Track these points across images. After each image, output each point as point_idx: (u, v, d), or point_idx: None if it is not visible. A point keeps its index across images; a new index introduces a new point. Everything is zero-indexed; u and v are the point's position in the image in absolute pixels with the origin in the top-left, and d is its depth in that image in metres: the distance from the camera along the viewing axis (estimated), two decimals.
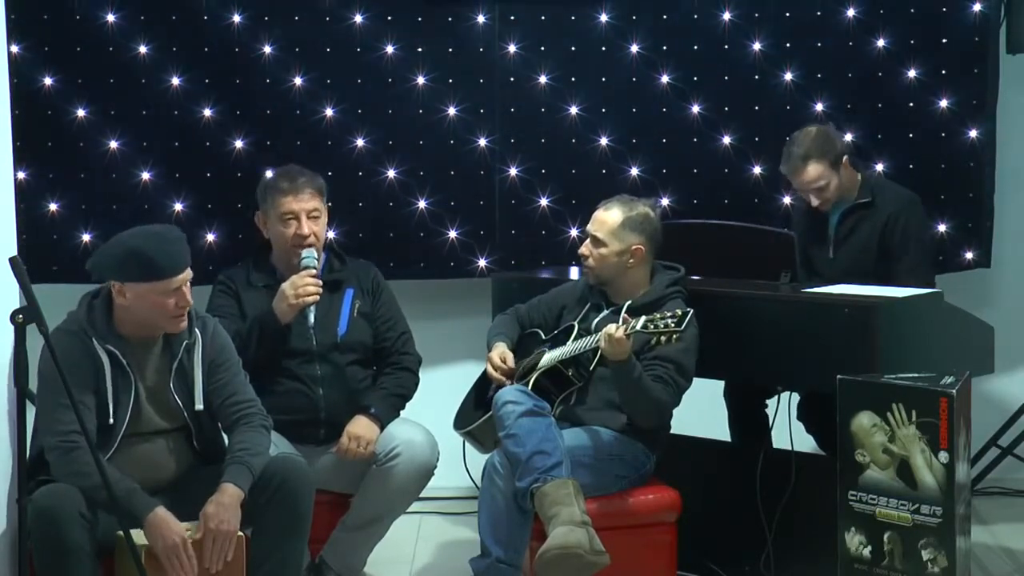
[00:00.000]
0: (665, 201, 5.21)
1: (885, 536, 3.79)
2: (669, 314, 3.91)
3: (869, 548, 3.82)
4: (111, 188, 5.04)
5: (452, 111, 5.15)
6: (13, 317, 3.46)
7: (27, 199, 4.89)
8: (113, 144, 5.02)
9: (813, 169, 4.72)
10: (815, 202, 4.77)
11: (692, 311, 3.97)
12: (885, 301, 4.09)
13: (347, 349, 4.43)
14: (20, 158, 4.73)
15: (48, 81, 4.96)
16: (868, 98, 5.21)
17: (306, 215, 4.40)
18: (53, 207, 5.01)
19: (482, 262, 5.21)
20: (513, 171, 5.20)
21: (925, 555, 3.73)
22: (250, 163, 5.06)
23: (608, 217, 4.27)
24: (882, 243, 4.75)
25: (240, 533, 3.64)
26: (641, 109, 5.20)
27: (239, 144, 5.07)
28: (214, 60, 5.04)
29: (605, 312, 4.32)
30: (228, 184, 5.08)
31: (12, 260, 3.46)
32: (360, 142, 5.13)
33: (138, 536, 3.56)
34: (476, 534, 4.16)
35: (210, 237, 5.09)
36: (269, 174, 4.60)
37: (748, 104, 5.20)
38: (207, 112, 5.04)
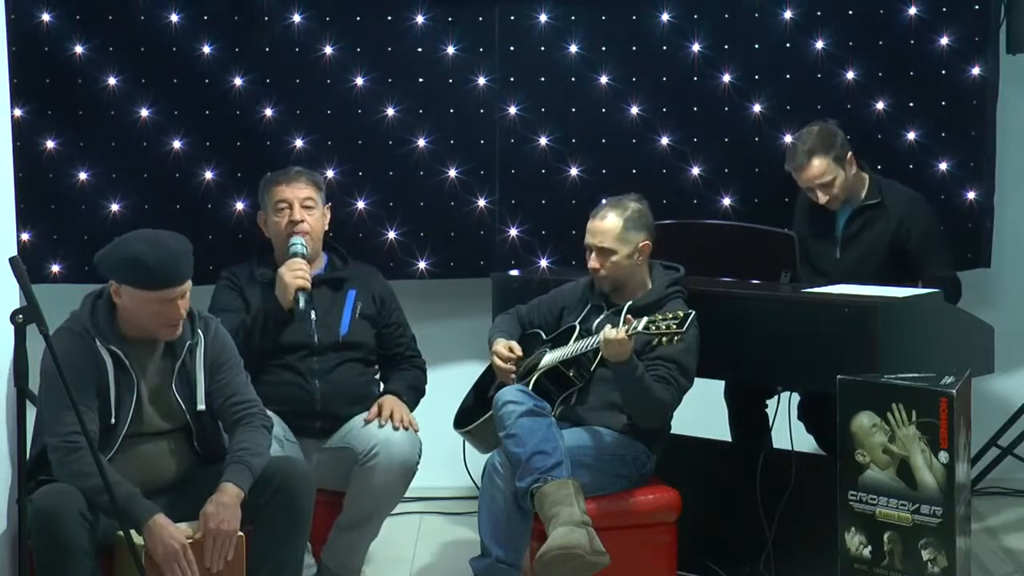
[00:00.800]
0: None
1: (885, 536, 3.79)
2: (671, 315, 3.92)
3: (869, 548, 3.82)
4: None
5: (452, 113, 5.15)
6: (13, 317, 3.47)
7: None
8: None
9: (818, 164, 4.73)
10: (823, 199, 4.77)
11: (694, 312, 3.97)
12: (885, 301, 4.09)
13: (347, 347, 4.45)
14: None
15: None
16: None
17: (299, 203, 4.45)
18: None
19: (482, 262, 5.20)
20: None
21: (925, 555, 3.73)
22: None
23: (608, 225, 4.26)
24: (894, 246, 4.76)
25: (240, 533, 3.64)
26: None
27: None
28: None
29: (606, 313, 4.32)
30: (228, 184, 5.08)
31: (12, 260, 3.46)
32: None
33: (138, 536, 3.56)
34: (476, 534, 4.17)
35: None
36: (270, 174, 4.62)
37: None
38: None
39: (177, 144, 5.07)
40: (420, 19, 5.12)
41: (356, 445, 4.29)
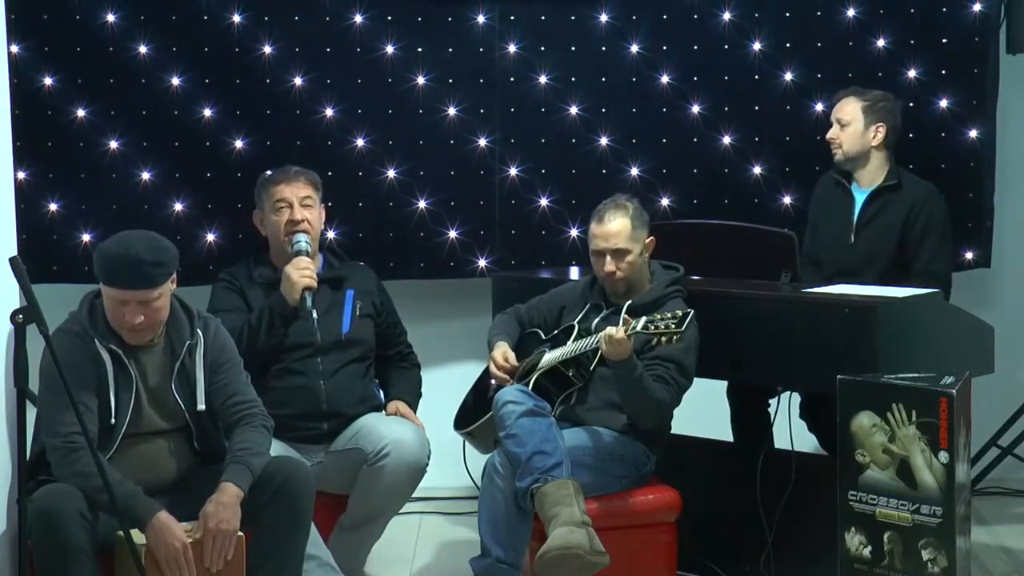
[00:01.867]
0: (665, 201, 5.21)
1: (885, 536, 3.79)
2: (669, 315, 3.91)
3: (869, 548, 3.82)
4: (111, 188, 5.03)
5: (452, 111, 5.14)
6: (13, 317, 3.46)
7: (27, 199, 4.89)
8: (113, 144, 5.01)
9: (850, 105, 4.82)
10: (829, 133, 4.83)
11: (692, 311, 3.97)
12: (885, 301, 4.09)
13: (349, 346, 4.46)
14: (20, 158, 4.72)
15: (48, 81, 4.95)
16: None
17: (298, 201, 4.44)
18: (53, 207, 5.00)
19: (482, 262, 5.20)
20: (513, 171, 5.19)
21: (925, 555, 3.73)
22: (250, 163, 5.04)
23: (618, 226, 4.25)
24: (904, 231, 4.77)
25: (240, 533, 3.64)
26: (641, 109, 5.20)
27: (239, 144, 5.06)
28: (214, 60, 5.03)
29: (605, 312, 4.32)
30: (228, 184, 5.07)
31: (12, 260, 3.46)
32: (360, 142, 5.12)
33: (138, 536, 3.56)
34: (476, 534, 4.16)
35: (210, 237, 5.08)
36: (268, 173, 4.61)
37: (748, 104, 5.18)
38: (207, 112, 5.04)
39: (177, 144, 5.07)
40: (420, 20, 5.12)
41: (366, 445, 4.28)
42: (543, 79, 5.16)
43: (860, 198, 4.86)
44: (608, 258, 4.26)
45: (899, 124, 4.87)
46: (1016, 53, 5.18)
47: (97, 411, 3.68)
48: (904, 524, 3.76)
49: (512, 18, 5.14)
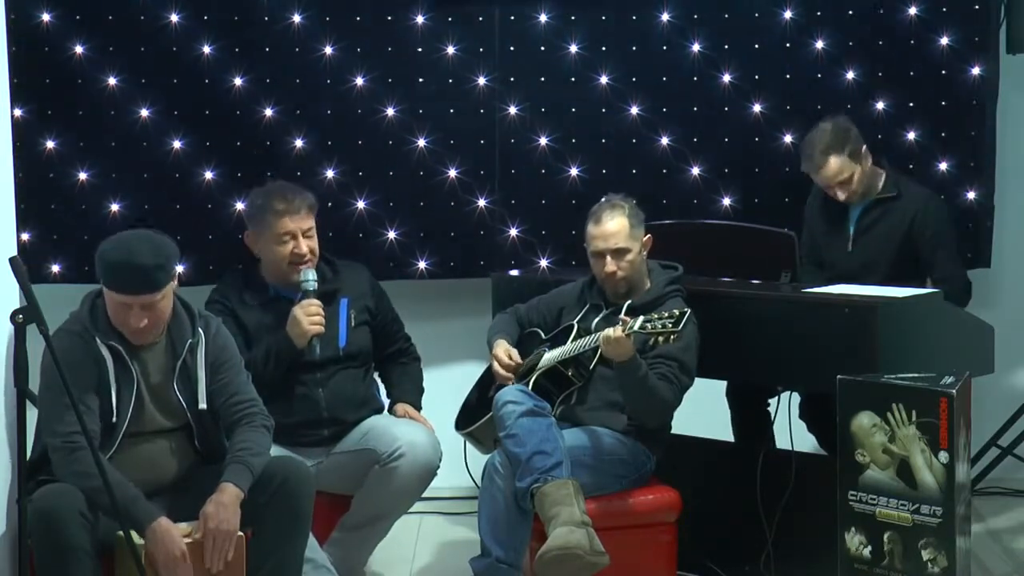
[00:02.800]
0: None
1: (885, 536, 3.79)
2: (667, 314, 3.91)
3: (869, 548, 3.82)
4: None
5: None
6: (13, 317, 3.46)
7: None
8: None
9: (835, 163, 4.73)
10: (842, 196, 4.78)
11: (689, 311, 3.97)
12: (885, 301, 4.09)
13: (348, 359, 4.45)
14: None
15: (79, 49, 4.98)
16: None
17: (303, 234, 4.39)
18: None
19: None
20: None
21: (925, 555, 3.73)
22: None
23: (616, 226, 4.25)
24: (906, 241, 4.76)
25: (240, 533, 3.64)
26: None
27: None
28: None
29: (605, 312, 4.32)
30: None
31: (12, 260, 3.46)
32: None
33: (138, 536, 3.56)
34: (476, 534, 4.16)
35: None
36: (258, 195, 4.50)
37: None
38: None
39: (177, 144, 5.07)
40: (420, 19, 5.12)
41: (379, 446, 4.28)
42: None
43: (857, 206, 4.85)
44: (608, 258, 4.26)
45: (859, 132, 4.82)
46: (1016, 53, 5.18)
47: (98, 410, 3.68)
48: (904, 524, 3.76)
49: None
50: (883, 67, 5.19)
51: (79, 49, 4.98)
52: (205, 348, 3.83)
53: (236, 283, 4.48)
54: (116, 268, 3.64)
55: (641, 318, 3.94)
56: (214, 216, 5.10)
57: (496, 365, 4.37)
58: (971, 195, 5.18)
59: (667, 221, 5.03)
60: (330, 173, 5.11)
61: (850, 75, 5.17)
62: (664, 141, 5.19)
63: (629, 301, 4.27)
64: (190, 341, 3.81)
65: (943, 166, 5.18)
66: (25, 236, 4.91)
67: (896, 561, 3.78)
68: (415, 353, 4.68)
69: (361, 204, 5.15)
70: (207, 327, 3.86)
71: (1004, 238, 5.34)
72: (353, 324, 4.47)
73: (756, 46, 5.19)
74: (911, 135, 5.18)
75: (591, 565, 3.86)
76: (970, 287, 4.81)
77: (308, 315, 4.30)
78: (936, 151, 5.18)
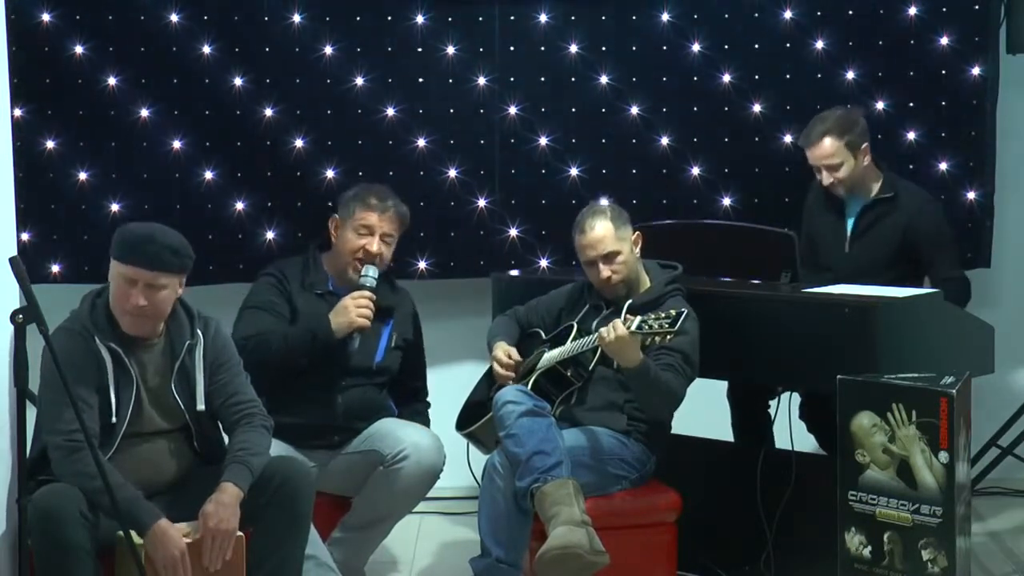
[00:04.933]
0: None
1: (885, 536, 3.79)
2: (663, 315, 3.91)
3: (869, 548, 3.82)
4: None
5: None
6: (13, 317, 3.46)
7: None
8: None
9: (828, 144, 4.74)
10: (826, 180, 4.78)
11: (687, 310, 3.97)
12: (885, 301, 4.09)
13: (377, 374, 4.44)
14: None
15: (79, 50, 4.98)
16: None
17: (381, 235, 4.38)
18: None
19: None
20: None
21: (925, 555, 3.73)
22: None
23: (602, 231, 4.24)
24: (904, 243, 4.76)
25: (240, 533, 3.64)
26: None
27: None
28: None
29: (605, 312, 4.32)
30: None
31: (12, 260, 3.46)
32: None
33: (138, 536, 3.56)
34: (476, 534, 4.17)
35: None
36: (359, 186, 4.53)
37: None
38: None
39: (177, 144, 5.08)
40: (420, 19, 5.12)
41: (383, 448, 4.27)
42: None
43: (855, 208, 4.85)
44: (600, 265, 4.25)
45: (867, 129, 4.84)
46: (1016, 53, 5.18)
47: (97, 410, 3.68)
48: (904, 524, 3.76)
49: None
50: (883, 67, 5.19)
51: (79, 49, 4.99)
52: (204, 349, 3.83)
53: (302, 265, 4.47)
54: (136, 240, 3.67)
55: (639, 318, 3.94)
56: (214, 216, 5.11)
57: (496, 365, 4.37)
58: (971, 195, 5.18)
59: (667, 221, 5.04)
60: (330, 173, 5.12)
61: (850, 75, 5.17)
62: (664, 141, 5.19)
63: (629, 301, 4.27)
64: (189, 342, 3.81)
65: (943, 166, 5.18)
66: (25, 236, 4.91)
67: (896, 561, 3.78)
68: (424, 402, 4.63)
69: None
70: (206, 329, 3.86)
71: (1004, 238, 5.34)
72: (392, 344, 4.46)
73: (756, 46, 5.19)
74: (911, 135, 5.18)
75: (591, 565, 3.86)
76: (969, 287, 4.80)
77: (358, 306, 4.28)
78: (936, 151, 5.19)
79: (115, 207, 5.06)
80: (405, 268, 5.18)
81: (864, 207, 4.83)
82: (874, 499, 3.80)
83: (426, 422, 4.56)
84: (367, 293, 4.32)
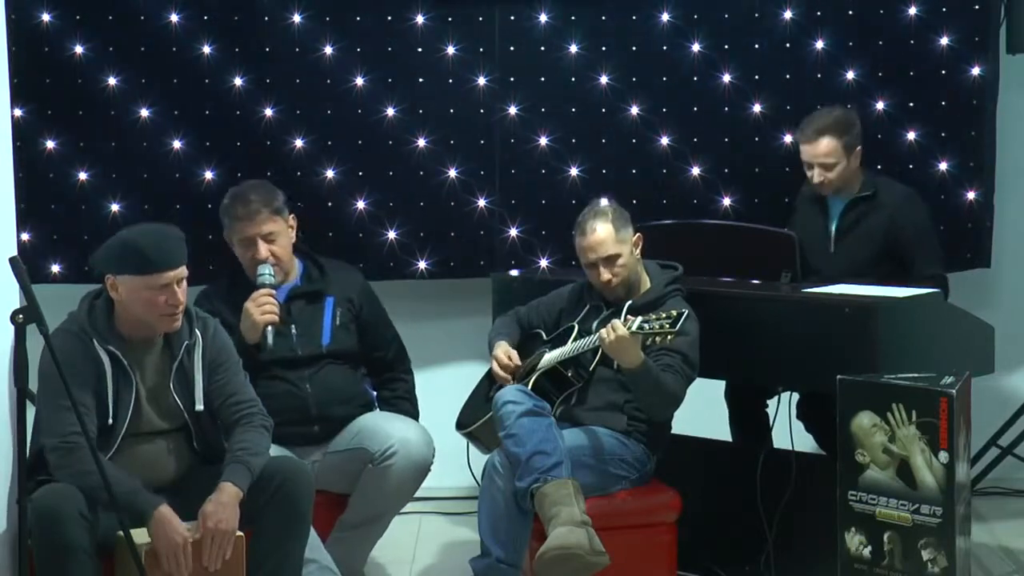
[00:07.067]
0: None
1: (885, 536, 3.79)
2: (664, 315, 3.92)
3: (869, 548, 3.82)
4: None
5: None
6: (13, 317, 3.46)
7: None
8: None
9: (826, 144, 4.74)
10: (817, 178, 4.78)
11: (687, 311, 3.97)
12: (885, 301, 4.10)
13: (332, 356, 4.44)
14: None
15: (79, 50, 4.98)
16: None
17: (262, 238, 4.39)
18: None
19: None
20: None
21: (925, 555, 3.73)
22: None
23: (603, 234, 4.24)
24: (887, 240, 4.76)
25: (239, 533, 3.65)
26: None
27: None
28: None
29: (605, 313, 4.32)
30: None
31: (12, 260, 3.46)
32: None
33: (138, 536, 3.56)
34: (476, 534, 4.17)
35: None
36: (226, 197, 4.52)
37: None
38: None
39: (177, 144, 5.08)
40: (420, 19, 5.12)
41: (371, 445, 4.27)
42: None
43: (837, 208, 4.85)
44: (601, 267, 4.25)
45: (861, 131, 4.84)
46: (1016, 53, 5.18)
47: (96, 411, 3.68)
48: (904, 524, 3.76)
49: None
50: (883, 67, 5.18)
51: (79, 49, 4.99)
52: (202, 349, 3.83)
53: (223, 285, 4.50)
54: (151, 248, 3.67)
55: (639, 319, 3.94)
56: (214, 216, 5.08)
57: (495, 366, 4.37)
58: (971, 195, 5.18)
59: (667, 221, 5.04)
60: (330, 173, 5.12)
61: (850, 75, 5.17)
62: (664, 141, 5.19)
63: (630, 302, 4.27)
64: (187, 342, 3.81)
65: (943, 166, 5.18)
66: (25, 236, 4.92)
67: (896, 561, 3.78)
68: (406, 374, 4.63)
69: (361, 204, 5.16)
70: (204, 328, 3.86)
71: (1004, 238, 5.34)
72: (338, 323, 4.46)
73: (756, 46, 5.19)
74: (911, 135, 5.18)
75: (591, 565, 3.86)
76: (947, 287, 4.74)
77: (258, 305, 4.30)
78: (936, 151, 5.18)
79: (115, 207, 5.06)
80: (405, 268, 5.18)
81: (845, 207, 4.83)
82: (874, 499, 3.80)
83: (412, 405, 4.57)
84: (265, 290, 4.34)
